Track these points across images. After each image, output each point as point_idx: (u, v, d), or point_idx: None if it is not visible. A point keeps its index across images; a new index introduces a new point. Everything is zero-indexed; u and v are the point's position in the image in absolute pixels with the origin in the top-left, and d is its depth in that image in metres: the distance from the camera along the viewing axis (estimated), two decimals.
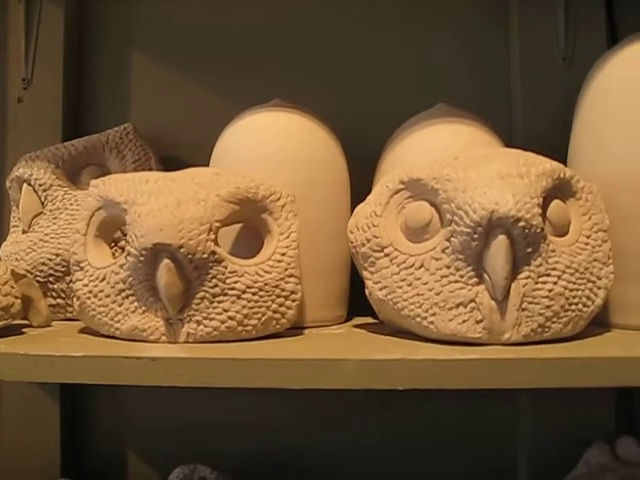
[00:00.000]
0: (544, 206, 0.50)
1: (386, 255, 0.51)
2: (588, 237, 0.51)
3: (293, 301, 0.53)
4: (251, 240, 0.56)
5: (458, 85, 0.76)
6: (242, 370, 0.45)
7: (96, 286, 0.53)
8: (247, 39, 0.78)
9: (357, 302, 0.59)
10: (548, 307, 0.48)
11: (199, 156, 0.64)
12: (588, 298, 0.50)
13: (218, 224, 0.51)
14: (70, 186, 0.67)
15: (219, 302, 0.50)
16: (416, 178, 0.51)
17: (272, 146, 0.59)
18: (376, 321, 0.59)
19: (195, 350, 0.48)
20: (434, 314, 0.49)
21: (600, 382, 0.45)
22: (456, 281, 0.48)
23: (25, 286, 0.56)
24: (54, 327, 0.59)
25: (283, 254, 0.53)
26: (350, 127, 0.68)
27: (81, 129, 0.76)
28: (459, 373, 0.44)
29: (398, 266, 0.51)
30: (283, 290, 0.53)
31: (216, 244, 0.51)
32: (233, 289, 0.51)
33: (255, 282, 0.51)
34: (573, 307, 0.49)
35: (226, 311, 0.51)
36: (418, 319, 0.49)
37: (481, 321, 0.48)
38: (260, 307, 0.51)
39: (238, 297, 0.51)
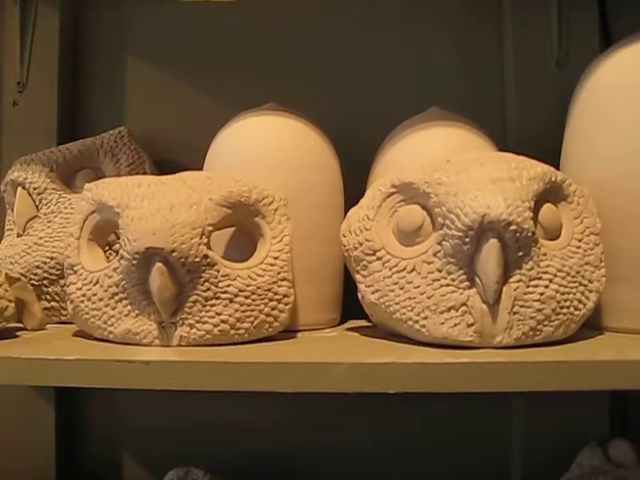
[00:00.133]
0: (536, 210, 0.50)
1: (378, 259, 0.52)
2: (580, 241, 0.52)
3: (286, 304, 0.53)
4: (244, 244, 0.56)
5: (452, 88, 0.76)
6: (233, 373, 0.45)
7: (89, 290, 0.53)
8: (241, 43, 0.78)
9: (351, 305, 0.59)
10: (539, 310, 0.48)
11: (193, 159, 0.64)
12: (580, 301, 0.50)
13: (211, 228, 0.51)
14: (65, 189, 0.67)
15: (212, 305, 0.51)
16: (408, 182, 0.52)
17: (266, 150, 0.59)
18: (370, 324, 0.59)
19: (187, 353, 0.48)
20: (426, 317, 0.49)
21: (592, 385, 0.45)
22: (448, 285, 0.49)
23: (19, 289, 0.56)
24: (48, 330, 0.59)
25: (276, 258, 0.53)
26: (344, 130, 0.69)
27: (76, 133, 0.76)
28: (450, 377, 0.44)
29: (390, 269, 0.51)
30: (276, 294, 0.53)
31: (209, 248, 0.51)
32: (226, 293, 0.51)
33: (248, 286, 0.52)
34: (564, 310, 0.49)
35: (219, 314, 0.51)
36: (410, 322, 0.49)
37: (472, 324, 0.48)
38: (253, 311, 0.52)
39: (230, 301, 0.51)
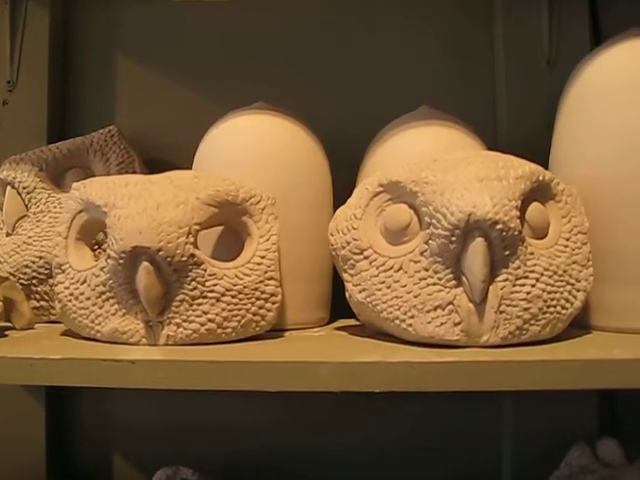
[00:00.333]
0: (523, 209, 0.50)
1: (365, 258, 0.52)
2: (567, 240, 0.52)
3: (273, 303, 0.53)
4: (232, 243, 0.56)
5: (442, 87, 0.76)
6: (219, 372, 0.45)
7: (77, 289, 0.53)
8: (231, 43, 0.78)
9: (341, 304, 0.59)
10: (526, 309, 0.48)
11: (183, 158, 0.64)
12: (567, 300, 0.50)
13: (197, 227, 0.51)
14: (54, 189, 0.67)
15: (198, 305, 0.51)
16: (395, 181, 0.52)
17: (254, 148, 0.59)
18: (358, 323, 0.59)
19: (173, 352, 0.48)
20: (412, 317, 0.49)
21: (578, 384, 0.45)
22: (434, 284, 0.49)
23: (8, 289, 0.56)
24: (37, 329, 0.59)
25: (263, 257, 0.53)
26: (334, 129, 0.69)
27: (66, 132, 0.76)
28: (436, 376, 0.44)
29: (377, 269, 0.51)
30: (263, 293, 0.53)
31: (195, 247, 0.51)
32: (212, 292, 0.51)
33: (235, 285, 0.51)
34: (551, 309, 0.49)
35: (205, 314, 0.51)
36: (397, 322, 0.49)
37: (459, 323, 0.48)
38: (240, 310, 0.52)
39: (217, 300, 0.51)
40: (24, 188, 0.66)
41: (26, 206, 0.66)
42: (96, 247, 0.61)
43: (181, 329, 0.51)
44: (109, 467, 0.77)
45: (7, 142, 0.75)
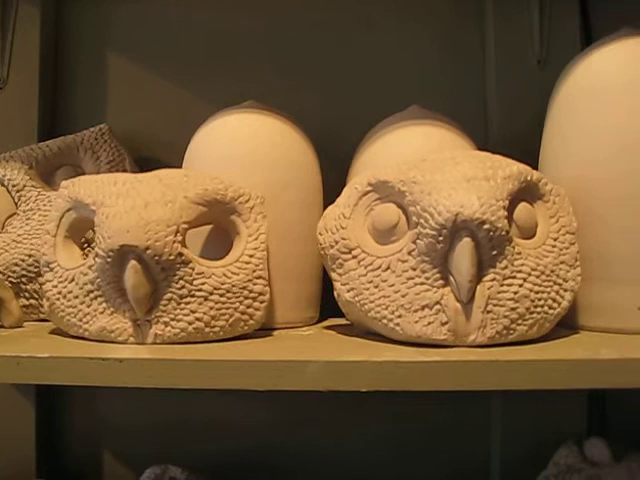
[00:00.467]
0: (511, 208, 0.50)
1: (354, 257, 0.52)
2: (555, 239, 0.52)
3: (261, 302, 0.53)
4: (221, 242, 0.56)
5: (433, 87, 0.76)
6: (205, 371, 0.45)
7: (65, 287, 0.53)
8: (223, 41, 0.78)
9: (331, 303, 0.59)
10: (513, 309, 0.48)
11: (174, 157, 0.64)
12: (554, 300, 0.50)
13: (186, 226, 0.51)
14: (44, 187, 0.67)
15: (186, 303, 0.51)
16: (384, 180, 0.52)
17: (243, 147, 0.59)
18: (348, 322, 0.59)
19: (161, 351, 0.48)
20: (400, 316, 0.49)
21: (565, 384, 0.45)
22: (422, 283, 0.49)
23: None
24: (26, 328, 0.59)
25: (251, 256, 0.53)
26: (324, 128, 0.69)
27: (57, 130, 0.76)
28: (422, 375, 0.45)
29: (365, 268, 0.51)
30: (251, 292, 0.53)
31: (183, 245, 0.51)
32: (200, 290, 0.51)
33: (223, 284, 0.51)
34: (539, 309, 0.49)
35: (193, 312, 0.51)
36: (384, 321, 0.50)
37: (446, 323, 0.48)
38: (228, 308, 0.52)
39: (205, 298, 0.51)
40: (14, 186, 0.66)
41: (16, 204, 0.66)
42: (86, 245, 0.61)
43: (169, 328, 0.51)
44: (99, 466, 0.77)
45: None
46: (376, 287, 0.50)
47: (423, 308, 0.48)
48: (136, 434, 0.76)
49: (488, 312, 0.48)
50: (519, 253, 0.49)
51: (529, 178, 0.52)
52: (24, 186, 0.66)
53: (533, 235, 0.52)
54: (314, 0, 0.78)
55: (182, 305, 0.51)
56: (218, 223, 0.56)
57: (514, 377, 0.44)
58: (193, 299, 0.51)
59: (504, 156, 0.53)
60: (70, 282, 0.53)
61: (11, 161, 0.67)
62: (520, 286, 0.49)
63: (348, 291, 0.52)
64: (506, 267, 0.49)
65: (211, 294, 0.51)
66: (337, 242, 0.52)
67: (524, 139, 0.66)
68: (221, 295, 0.51)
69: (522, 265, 0.49)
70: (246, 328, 0.53)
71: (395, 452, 0.75)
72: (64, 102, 0.79)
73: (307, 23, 0.78)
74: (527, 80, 0.71)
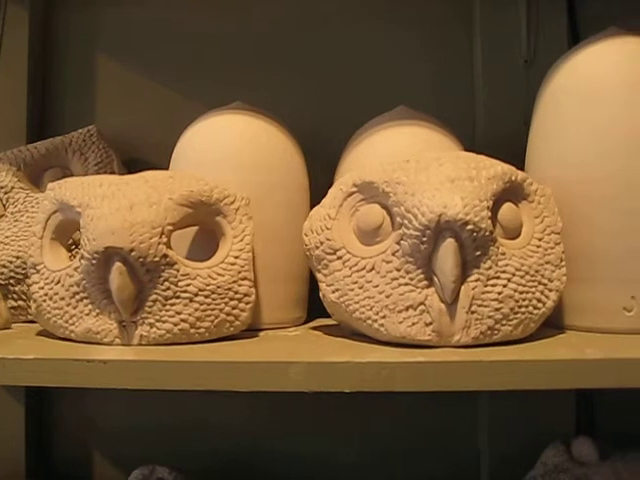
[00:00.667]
0: (495, 209, 0.50)
1: (339, 258, 0.52)
2: (540, 240, 0.52)
3: (247, 304, 0.53)
4: (207, 243, 0.56)
5: (421, 87, 0.76)
6: (188, 373, 0.45)
7: (51, 289, 0.53)
8: (211, 43, 0.78)
9: (319, 304, 0.59)
10: (497, 310, 0.48)
11: (163, 158, 0.64)
12: (539, 300, 0.50)
13: (171, 227, 0.51)
14: (32, 188, 0.67)
15: (172, 305, 0.51)
16: (368, 181, 0.52)
17: (229, 148, 0.59)
18: (335, 323, 0.59)
19: (145, 353, 0.49)
20: (384, 317, 0.49)
21: (548, 385, 0.45)
22: (406, 284, 0.49)
23: None
24: (14, 329, 0.59)
25: (237, 257, 0.53)
26: (312, 129, 0.69)
27: (46, 132, 0.76)
28: (406, 376, 0.44)
29: (350, 269, 0.51)
30: (236, 293, 0.53)
31: (168, 247, 0.51)
32: (185, 292, 0.51)
33: (208, 285, 0.52)
34: (523, 310, 0.49)
35: (179, 314, 0.51)
36: (369, 322, 0.50)
37: (430, 324, 0.48)
38: (213, 310, 0.52)
39: (190, 300, 0.51)
40: (2, 188, 0.66)
41: (4, 206, 0.66)
42: (73, 247, 0.61)
43: (154, 329, 0.51)
44: (88, 466, 0.77)
45: None
46: (361, 288, 0.50)
47: (407, 309, 0.48)
48: (126, 435, 0.77)
49: (472, 312, 0.48)
50: (503, 253, 0.49)
51: (514, 178, 0.52)
52: (12, 188, 0.66)
53: (518, 235, 0.52)
54: (301, 2, 0.78)
55: (167, 306, 0.51)
56: (204, 224, 0.56)
57: (497, 378, 0.44)
58: (178, 300, 0.51)
59: (491, 156, 0.53)
60: (56, 284, 0.53)
61: None
62: (504, 286, 0.49)
63: (333, 292, 0.52)
64: (490, 267, 0.49)
65: (196, 295, 0.51)
66: (322, 243, 0.52)
67: (511, 139, 0.66)
68: (206, 296, 0.51)
69: (506, 265, 0.49)
70: (232, 329, 0.53)
71: (383, 452, 0.75)
72: (53, 104, 0.79)
73: (294, 25, 0.78)
74: (514, 80, 0.71)
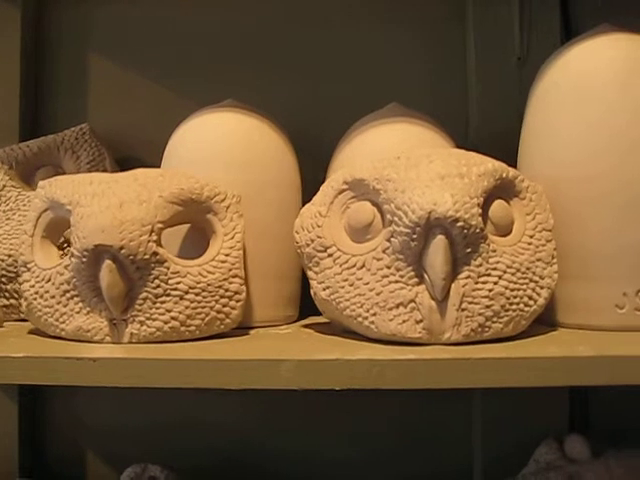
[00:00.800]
0: (486, 206, 0.50)
1: (329, 255, 0.51)
2: (531, 237, 0.52)
3: (237, 301, 0.53)
4: (199, 241, 0.56)
5: (415, 85, 0.76)
6: (178, 370, 0.45)
7: (42, 287, 0.53)
8: (203, 41, 0.78)
9: (312, 301, 0.59)
10: (488, 307, 0.48)
11: (156, 156, 0.64)
12: (530, 298, 0.50)
13: (161, 225, 0.51)
14: (24, 187, 0.67)
15: (162, 303, 0.51)
16: (359, 178, 0.52)
17: (221, 146, 0.59)
18: (327, 321, 0.59)
19: (134, 351, 0.49)
20: (375, 314, 0.49)
21: (538, 382, 0.45)
22: (396, 281, 0.49)
23: None
24: (6, 328, 0.59)
25: (227, 254, 0.53)
26: (306, 126, 0.70)
27: (38, 130, 0.76)
28: (396, 374, 0.44)
29: (341, 266, 0.51)
30: (227, 290, 0.53)
31: (159, 245, 0.51)
32: (176, 289, 0.51)
33: (198, 282, 0.51)
34: (514, 307, 0.49)
35: (169, 311, 0.51)
36: (360, 319, 0.49)
37: (421, 321, 0.48)
38: (203, 307, 0.52)
39: (181, 298, 0.51)
40: None
41: None
42: (65, 245, 0.61)
43: (145, 327, 0.51)
44: (82, 465, 0.77)
45: None
46: (351, 285, 0.50)
47: (398, 306, 0.48)
48: (119, 433, 0.77)
49: (463, 310, 0.48)
50: (494, 250, 0.49)
51: (504, 175, 0.51)
52: (4, 186, 0.66)
53: (509, 232, 0.51)
54: (295, 0, 0.78)
55: (158, 304, 0.51)
56: (194, 222, 0.56)
57: (487, 375, 0.44)
58: (169, 298, 0.51)
59: (485, 154, 0.53)
60: (47, 282, 0.53)
61: None
62: (495, 284, 0.49)
63: (324, 289, 0.51)
64: (481, 265, 0.48)
65: (187, 293, 0.51)
66: (313, 240, 0.52)
67: (505, 137, 0.65)
68: (197, 294, 0.51)
69: (497, 263, 0.49)
70: (222, 327, 0.53)
71: (376, 450, 0.75)
72: (45, 102, 0.79)
73: (287, 22, 0.78)
74: (507, 77, 0.71)
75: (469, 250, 0.48)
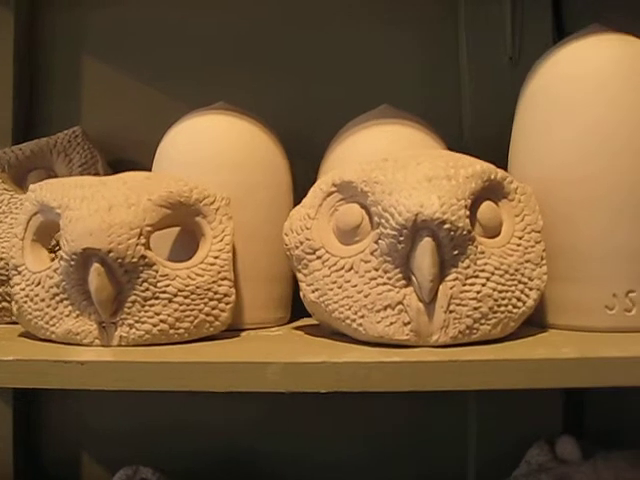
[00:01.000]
0: (474, 208, 0.50)
1: (318, 257, 0.51)
2: (520, 238, 0.51)
3: (227, 304, 0.53)
4: (188, 244, 0.56)
5: (408, 86, 0.76)
6: (164, 373, 0.45)
7: (32, 290, 0.53)
8: (195, 43, 0.78)
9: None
10: (476, 309, 0.48)
11: (149, 159, 0.64)
12: (519, 299, 0.50)
13: (149, 228, 0.51)
14: (17, 190, 0.67)
15: (150, 306, 0.51)
16: (347, 180, 0.52)
17: (212, 148, 0.59)
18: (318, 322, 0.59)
19: (122, 354, 0.49)
20: (362, 316, 0.49)
21: (524, 384, 0.45)
22: (384, 283, 0.49)
23: None
24: None
25: (216, 257, 0.53)
26: (298, 128, 0.69)
27: (32, 133, 0.76)
28: (382, 376, 0.44)
29: (329, 268, 0.51)
30: (216, 293, 0.53)
31: (147, 248, 0.51)
32: (164, 292, 0.51)
33: (187, 285, 0.52)
34: (502, 309, 0.49)
35: (158, 314, 0.51)
36: (348, 321, 0.49)
37: (409, 323, 0.48)
38: (192, 310, 0.52)
39: (170, 300, 0.51)
40: None
41: None
42: (57, 248, 0.61)
43: (134, 330, 0.51)
44: (76, 468, 0.77)
45: None
46: (340, 287, 0.50)
47: (385, 308, 0.48)
48: (114, 436, 0.77)
49: (451, 312, 0.48)
50: (482, 252, 0.49)
51: (493, 177, 0.51)
52: None
53: (498, 234, 0.51)
54: (285, 2, 0.78)
55: (146, 307, 0.51)
56: (184, 225, 0.56)
57: (473, 377, 0.44)
58: (157, 301, 0.51)
59: (479, 155, 0.53)
60: (37, 285, 0.53)
61: None
62: (483, 285, 0.48)
63: (313, 292, 0.52)
64: (468, 266, 0.48)
65: (175, 296, 0.51)
66: (302, 243, 0.52)
67: (498, 137, 0.65)
68: (185, 297, 0.51)
69: (485, 264, 0.49)
70: (212, 329, 0.53)
71: (369, 453, 0.75)
72: (39, 106, 0.79)
73: (278, 25, 0.78)
74: (499, 77, 0.71)
75: (456, 252, 0.48)
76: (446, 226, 0.47)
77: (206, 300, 0.52)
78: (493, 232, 0.51)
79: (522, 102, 0.58)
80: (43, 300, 0.53)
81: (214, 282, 0.53)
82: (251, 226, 0.59)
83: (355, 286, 0.49)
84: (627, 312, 0.52)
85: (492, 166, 0.52)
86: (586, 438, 0.66)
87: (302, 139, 0.70)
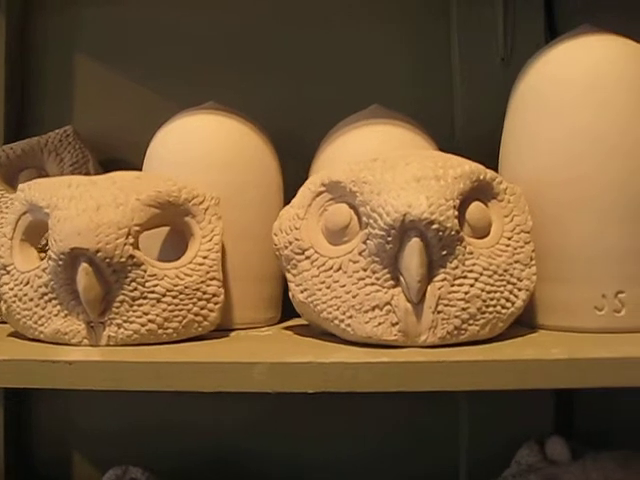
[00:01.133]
0: (463, 208, 0.50)
1: (307, 257, 0.51)
2: (509, 239, 0.51)
3: (215, 304, 0.53)
4: (178, 244, 0.56)
5: (399, 86, 0.76)
6: (151, 373, 0.45)
7: (21, 290, 0.53)
8: (186, 43, 0.78)
9: None
10: (464, 309, 0.48)
11: (140, 159, 0.64)
12: (507, 300, 0.50)
13: (138, 228, 0.51)
14: (7, 189, 0.67)
15: (139, 305, 0.51)
16: (336, 180, 0.52)
17: (202, 148, 0.59)
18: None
19: (110, 354, 0.49)
20: (351, 317, 0.49)
21: (512, 385, 0.44)
22: (372, 284, 0.48)
23: None
24: None
25: (205, 257, 0.53)
26: (288, 128, 0.69)
27: (23, 132, 0.76)
28: (369, 376, 0.44)
29: (318, 269, 0.51)
30: (205, 293, 0.53)
31: (136, 248, 0.51)
32: (153, 292, 0.51)
33: (175, 285, 0.52)
34: (491, 309, 0.49)
35: (146, 314, 0.51)
36: (336, 322, 0.49)
37: (397, 324, 0.48)
38: (181, 310, 0.52)
39: (158, 300, 0.51)
40: None
41: None
42: (48, 247, 0.61)
43: (122, 330, 0.51)
44: (67, 467, 0.77)
45: None
46: (328, 288, 0.50)
47: (373, 309, 0.48)
48: (105, 436, 0.77)
49: (439, 312, 0.48)
50: (471, 253, 0.49)
51: (482, 177, 0.51)
52: None
53: (487, 234, 0.51)
54: (276, 1, 0.78)
55: (135, 307, 0.51)
56: (173, 225, 0.56)
57: (460, 378, 0.44)
58: (145, 301, 0.51)
59: (471, 154, 0.53)
60: (25, 285, 0.53)
61: None
62: (471, 286, 0.48)
63: (302, 292, 0.51)
64: (457, 267, 0.48)
65: (164, 296, 0.51)
66: (291, 243, 0.52)
67: (490, 138, 0.65)
68: (174, 297, 0.51)
69: (474, 265, 0.49)
70: (200, 329, 0.53)
71: (360, 453, 0.75)
72: (31, 105, 0.79)
73: (268, 24, 0.78)
74: (491, 78, 0.71)
75: (445, 252, 0.48)
76: (434, 226, 0.47)
77: (195, 300, 0.52)
78: (482, 232, 0.51)
79: (513, 103, 0.58)
80: (32, 300, 0.53)
81: (203, 282, 0.53)
82: (241, 226, 0.59)
83: (343, 286, 0.49)
84: (616, 313, 0.52)
85: (481, 166, 0.52)
86: (576, 439, 0.65)
87: (293, 139, 0.70)
